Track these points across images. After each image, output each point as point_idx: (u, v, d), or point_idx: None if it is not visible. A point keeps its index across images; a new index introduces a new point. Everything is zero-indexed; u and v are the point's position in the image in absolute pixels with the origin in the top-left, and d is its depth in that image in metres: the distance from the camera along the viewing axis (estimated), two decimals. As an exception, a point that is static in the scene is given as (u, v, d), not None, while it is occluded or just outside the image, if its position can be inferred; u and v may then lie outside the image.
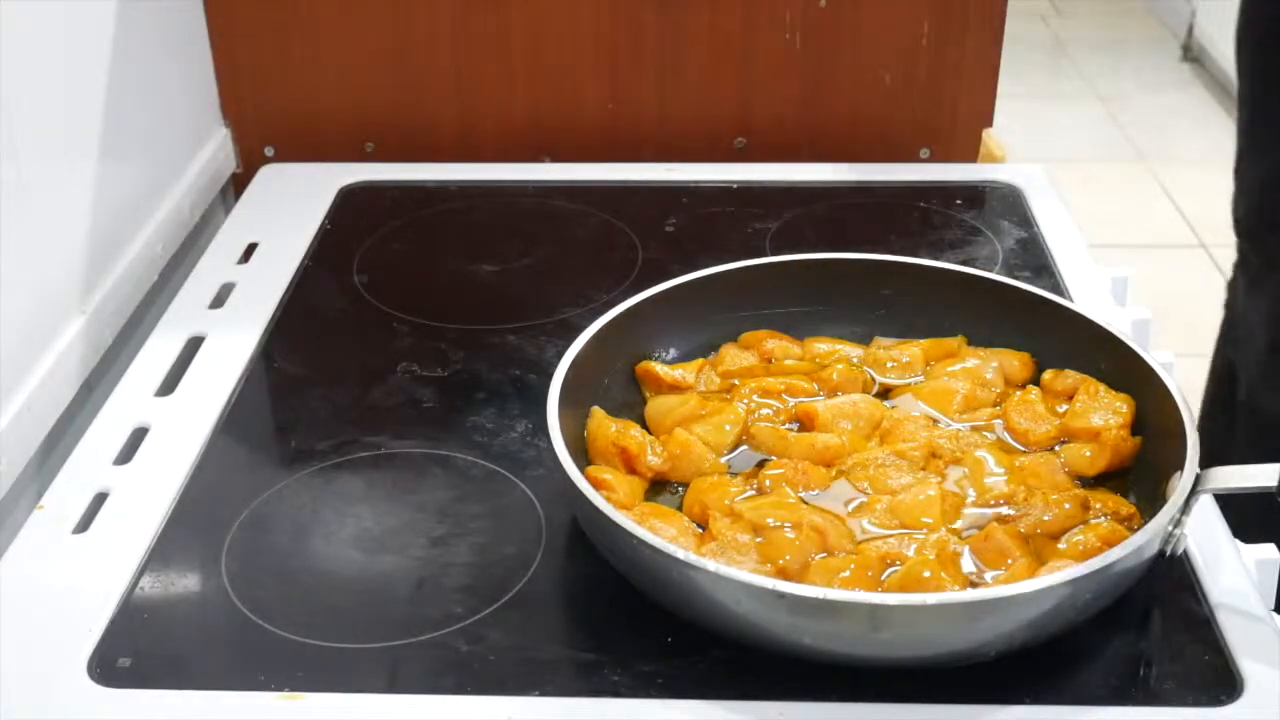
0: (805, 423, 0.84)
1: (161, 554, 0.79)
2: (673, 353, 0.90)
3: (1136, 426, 0.81)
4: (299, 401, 0.94)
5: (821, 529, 0.74)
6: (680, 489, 0.80)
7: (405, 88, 1.26)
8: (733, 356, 0.89)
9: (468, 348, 0.98)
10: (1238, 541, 0.78)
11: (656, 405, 0.85)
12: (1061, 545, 0.74)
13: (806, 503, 0.77)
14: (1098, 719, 0.67)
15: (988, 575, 0.72)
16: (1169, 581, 0.75)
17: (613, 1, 1.22)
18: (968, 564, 0.73)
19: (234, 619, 0.74)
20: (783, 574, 0.71)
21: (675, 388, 0.86)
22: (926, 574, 0.70)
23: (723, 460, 0.82)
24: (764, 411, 0.85)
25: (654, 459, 0.80)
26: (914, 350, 0.89)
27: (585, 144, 1.26)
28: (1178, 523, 0.71)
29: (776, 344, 0.90)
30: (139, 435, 0.88)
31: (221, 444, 0.88)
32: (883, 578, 0.72)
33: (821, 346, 0.90)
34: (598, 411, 0.83)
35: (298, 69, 1.25)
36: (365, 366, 0.96)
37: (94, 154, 1.02)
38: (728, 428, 0.83)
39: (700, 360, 0.89)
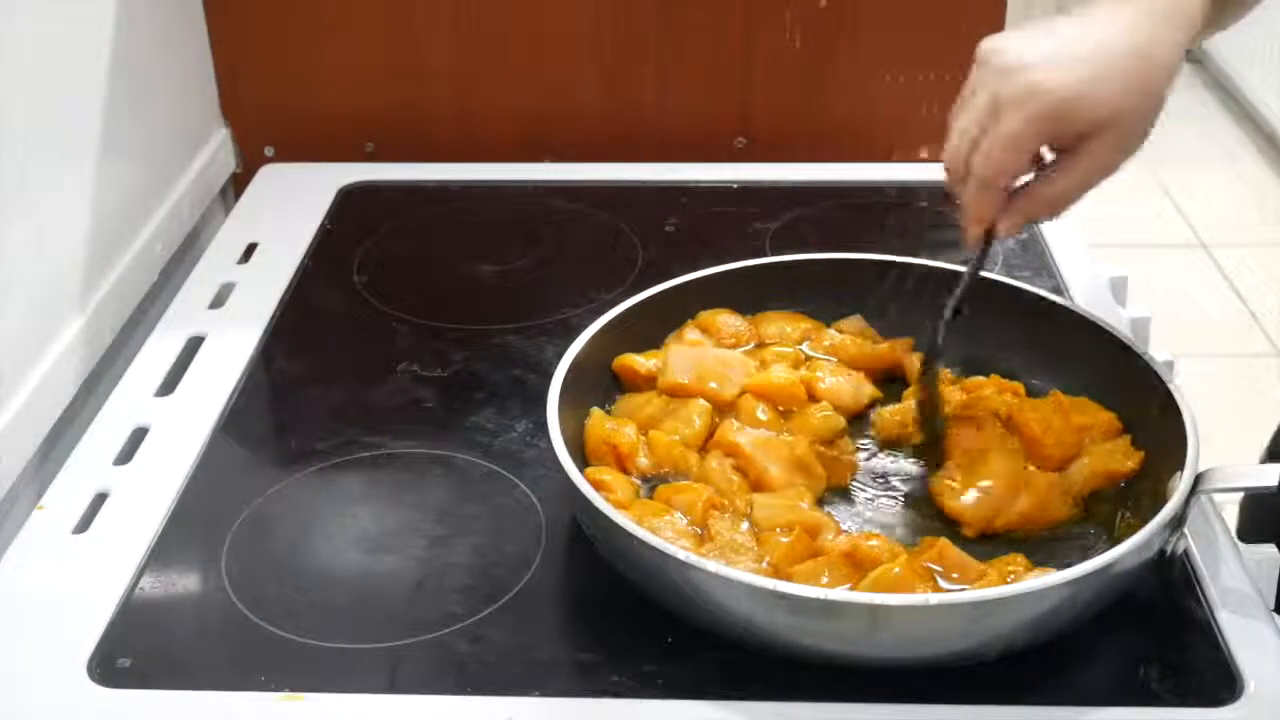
0: (730, 452, 0.81)
1: (161, 554, 0.79)
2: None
3: (1136, 427, 0.81)
4: (299, 401, 0.94)
5: (814, 529, 0.75)
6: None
7: (405, 88, 1.26)
8: (692, 339, 0.89)
9: (468, 348, 0.98)
10: (1238, 541, 0.78)
11: (623, 406, 0.85)
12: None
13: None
14: (1098, 719, 0.67)
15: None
16: (1169, 581, 0.75)
17: (613, 1, 1.22)
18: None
19: (234, 619, 0.74)
20: (775, 573, 0.71)
21: (651, 378, 0.86)
22: (897, 570, 0.70)
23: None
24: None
25: (645, 460, 0.80)
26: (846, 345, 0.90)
27: (585, 144, 1.26)
28: (1178, 523, 0.71)
29: (726, 323, 0.90)
30: (139, 435, 0.88)
31: (221, 444, 0.88)
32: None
33: (770, 329, 0.91)
34: (596, 412, 0.83)
35: (298, 69, 1.25)
36: (365, 366, 0.96)
37: (94, 154, 1.02)
38: (696, 420, 0.83)
39: (666, 346, 0.89)
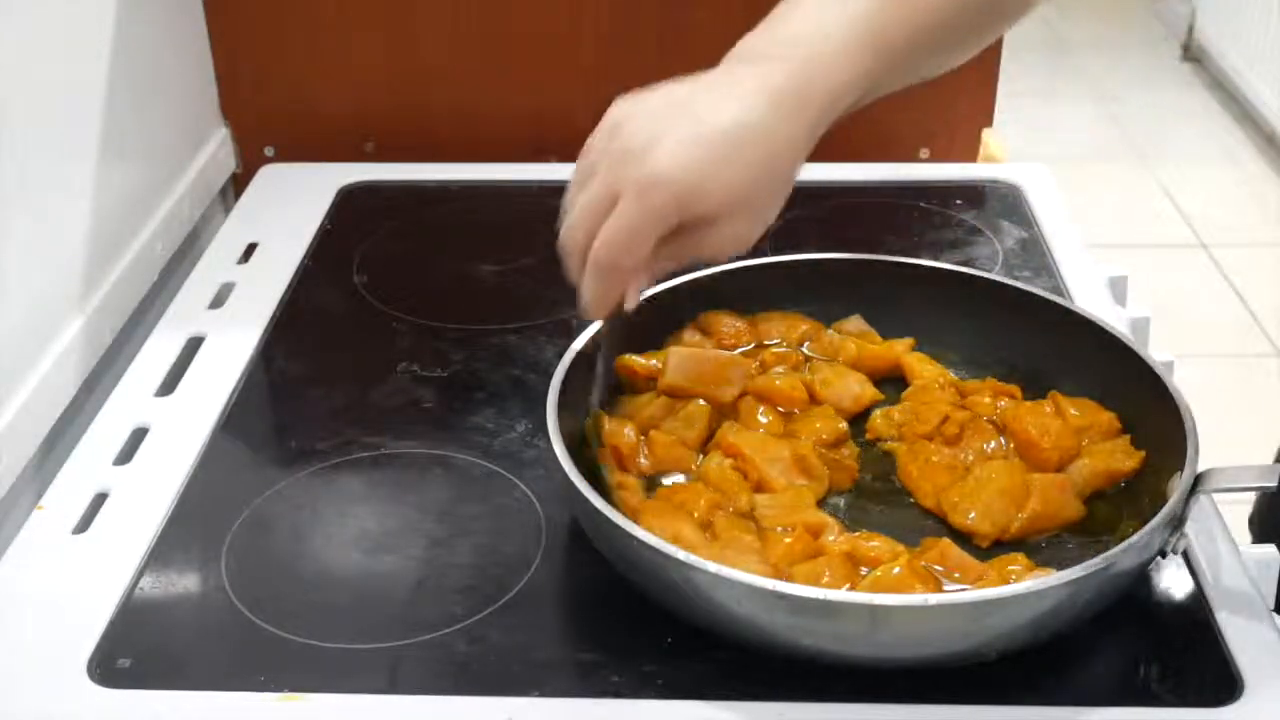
0: (730, 453, 0.81)
1: (161, 554, 0.79)
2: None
3: (1136, 428, 0.81)
4: (299, 401, 0.94)
5: (816, 529, 0.75)
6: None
7: (405, 88, 1.26)
8: (692, 340, 0.89)
9: (468, 348, 0.98)
10: (1237, 541, 0.78)
11: (623, 407, 0.85)
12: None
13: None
14: (1098, 719, 0.67)
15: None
16: (1169, 581, 0.75)
17: (612, 1, 1.22)
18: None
19: (234, 619, 0.74)
20: (775, 573, 0.71)
21: (652, 378, 0.86)
22: (897, 570, 0.70)
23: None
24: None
25: (645, 460, 0.80)
26: (850, 348, 0.89)
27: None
28: (1178, 523, 0.71)
29: (726, 323, 0.90)
30: (139, 435, 0.88)
31: (221, 444, 0.88)
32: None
33: (770, 330, 0.90)
34: (596, 412, 0.83)
35: (298, 69, 1.25)
36: (365, 366, 0.96)
37: (94, 154, 1.02)
38: (695, 418, 0.83)
39: (668, 347, 0.89)
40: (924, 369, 0.88)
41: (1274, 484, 0.70)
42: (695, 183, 0.70)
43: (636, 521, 0.70)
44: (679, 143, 0.70)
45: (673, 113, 0.72)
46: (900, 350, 0.89)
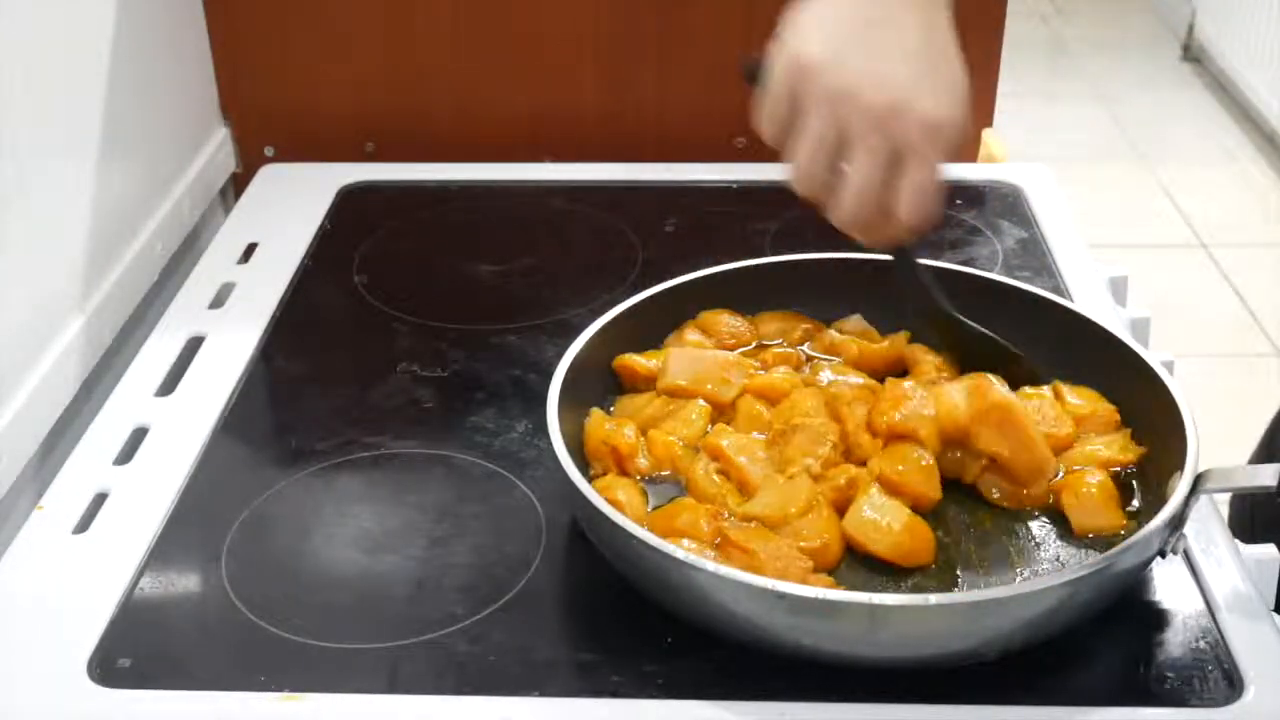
0: (715, 455, 0.81)
1: (161, 554, 0.79)
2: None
3: (1136, 427, 0.81)
4: (299, 401, 0.94)
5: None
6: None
7: (405, 88, 1.26)
8: (692, 339, 0.89)
9: (468, 348, 0.98)
10: (1238, 541, 0.78)
11: (623, 407, 0.85)
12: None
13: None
14: (1098, 719, 0.67)
15: None
16: (1169, 581, 0.75)
17: (612, 1, 1.22)
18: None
19: (234, 619, 0.74)
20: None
21: (651, 378, 0.86)
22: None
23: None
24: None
25: (644, 461, 0.80)
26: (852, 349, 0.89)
27: (585, 144, 1.26)
28: (1178, 523, 0.71)
29: (726, 323, 0.90)
30: (139, 435, 0.88)
31: (221, 444, 0.88)
32: None
33: (770, 329, 0.90)
34: (596, 412, 0.83)
35: (298, 69, 1.25)
36: (365, 366, 0.96)
37: (94, 154, 1.02)
38: (694, 417, 0.83)
39: (668, 347, 0.89)
40: (925, 358, 0.87)
41: (1273, 484, 0.70)
42: (961, 118, 0.74)
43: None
44: (931, 78, 0.73)
45: (895, 49, 0.74)
46: (901, 345, 0.89)
